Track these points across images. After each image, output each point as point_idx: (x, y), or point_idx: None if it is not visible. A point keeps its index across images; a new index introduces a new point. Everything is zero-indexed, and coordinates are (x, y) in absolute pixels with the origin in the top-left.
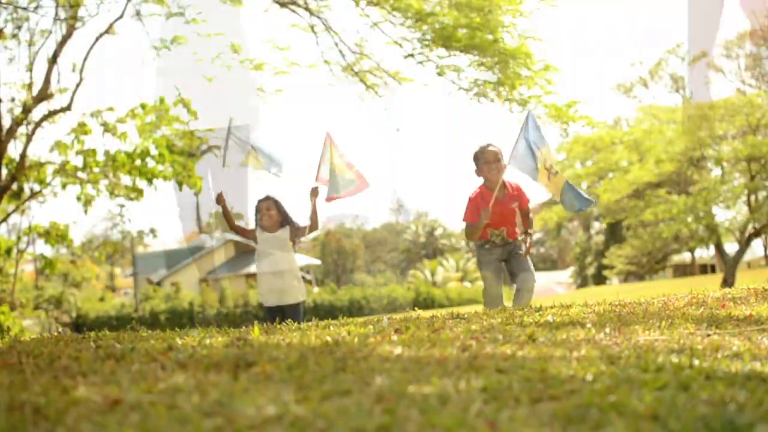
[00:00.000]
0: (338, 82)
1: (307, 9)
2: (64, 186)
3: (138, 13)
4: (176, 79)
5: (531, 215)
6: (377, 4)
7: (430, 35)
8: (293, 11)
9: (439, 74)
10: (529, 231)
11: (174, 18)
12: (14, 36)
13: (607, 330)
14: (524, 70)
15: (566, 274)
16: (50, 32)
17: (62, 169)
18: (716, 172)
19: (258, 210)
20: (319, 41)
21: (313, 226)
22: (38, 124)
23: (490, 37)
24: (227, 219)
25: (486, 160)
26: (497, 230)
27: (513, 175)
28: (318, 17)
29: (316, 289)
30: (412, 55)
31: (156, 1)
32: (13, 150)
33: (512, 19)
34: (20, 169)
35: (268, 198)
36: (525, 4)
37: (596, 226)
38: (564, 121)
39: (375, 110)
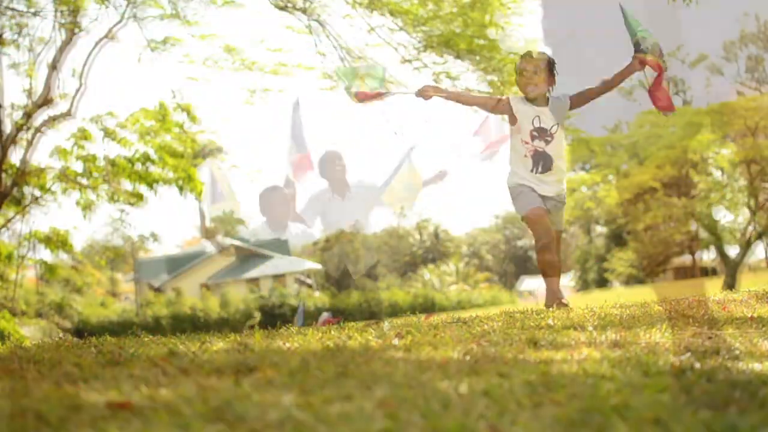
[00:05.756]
0: (336, 84)
1: (304, 12)
2: (64, 191)
3: (135, 16)
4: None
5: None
6: (375, 9)
7: (426, 40)
8: (292, 14)
9: (435, 81)
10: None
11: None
12: (14, 42)
13: (609, 333)
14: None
15: (567, 278)
16: (50, 38)
17: (63, 175)
18: (717, 174)
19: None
20: (315, 44)
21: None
22: (39, 130)
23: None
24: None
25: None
26: None
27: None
28: (318, 22)
29: (317, 293)
30: (409, 61)
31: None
32: (14, 156)
33: (507, 12)
34: (21, 174)
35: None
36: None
37: (597, 229)
38: None
39: (374, 114)
